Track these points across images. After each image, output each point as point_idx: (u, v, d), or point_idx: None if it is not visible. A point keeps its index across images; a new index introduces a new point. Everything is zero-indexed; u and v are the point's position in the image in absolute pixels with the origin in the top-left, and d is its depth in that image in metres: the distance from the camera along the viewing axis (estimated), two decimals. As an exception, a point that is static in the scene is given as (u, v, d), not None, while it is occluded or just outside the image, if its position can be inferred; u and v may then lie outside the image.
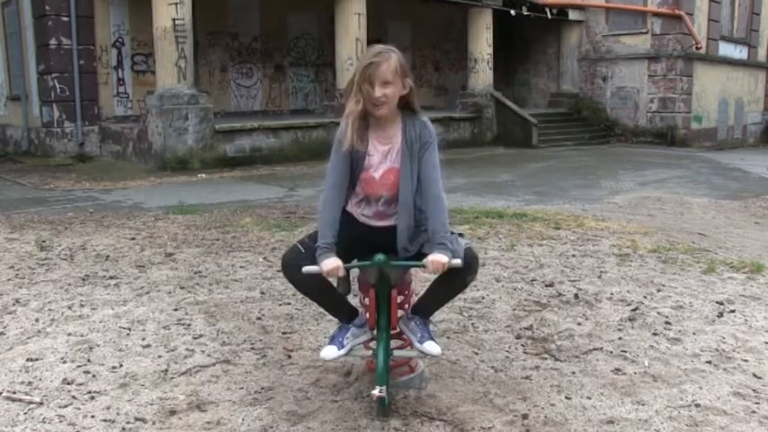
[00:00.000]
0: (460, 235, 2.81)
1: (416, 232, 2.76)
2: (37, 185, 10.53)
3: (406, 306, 2.99)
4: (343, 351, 2.83)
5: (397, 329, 2.97)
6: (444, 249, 2.61)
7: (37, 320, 3.97)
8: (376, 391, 2.66)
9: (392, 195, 2.74)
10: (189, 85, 12.15)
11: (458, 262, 2.60)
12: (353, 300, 3.74)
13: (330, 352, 2.81)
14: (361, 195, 2.79)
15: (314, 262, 2.65)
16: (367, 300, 2.85)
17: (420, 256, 2.71)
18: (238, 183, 10.78)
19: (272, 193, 9.61)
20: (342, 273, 2.65)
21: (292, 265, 2.71)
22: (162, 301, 4.37)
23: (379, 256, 2.63)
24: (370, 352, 2.94)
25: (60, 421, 2.75)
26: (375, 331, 2.84)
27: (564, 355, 3.46)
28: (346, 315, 2.93)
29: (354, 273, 2.99)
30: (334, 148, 2.73)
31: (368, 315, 2.87)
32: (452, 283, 2.76)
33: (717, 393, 3.02)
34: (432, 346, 2.81)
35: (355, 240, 2.76)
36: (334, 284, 2.88)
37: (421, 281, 3.80)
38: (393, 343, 2.90)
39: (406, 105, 2.73)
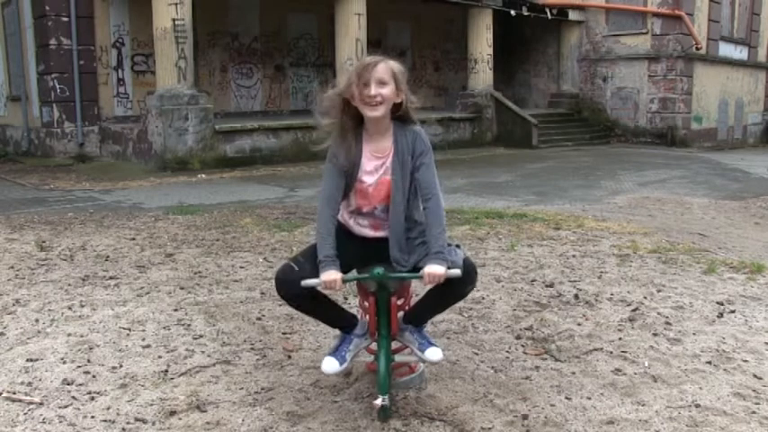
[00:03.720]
0: (458, 246, 2.76)
1: (412, 244, 2.73)
2: (37, 186, 10.53)
3: (406, 308, 2.99)
4: (344, 366, 2.81)
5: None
6: (441, 260, 2.58)
7: (37, 321, 3.97)
8: (378, 401, 2.65)
9: (386, 206, 2.73)
10: (189, 86, 12.15)
11: (456, 272, 2.56)
12: (352, 305, 3.75)
13: (332, 366, 2.77)
14: (354, 206, 2.78)
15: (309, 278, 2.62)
16: (366, 303, 2.85)
17: (418, 268, 2.68)
18: (238, 183, 10.78)
19: (272, 194, 9.61)
20: (340, 286, 2.61)
21: (287, 283, 2.66)
22: (162, 301, 4.37)
23: (378, 269, 2.61)
24: (372, 357, 2.95)
25: (60, 422, 2.75)
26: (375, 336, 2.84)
27: (564, 356, 3.46)
28: (346, 324, 2.91)
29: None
30: (327, 161, 2.72)
31: (367, 318, 2.86)
32: (450, 293, 2.72)
33: (717, 394, 3.02)
34: (433, 353, 2.79)
35: (352, 250, 2.75)
36: (331, 294, 2.86)
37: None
38: (393, 344, 2.90)
39: (399, 117, 2.70)
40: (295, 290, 2.62)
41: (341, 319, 2.91)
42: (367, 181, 2.71)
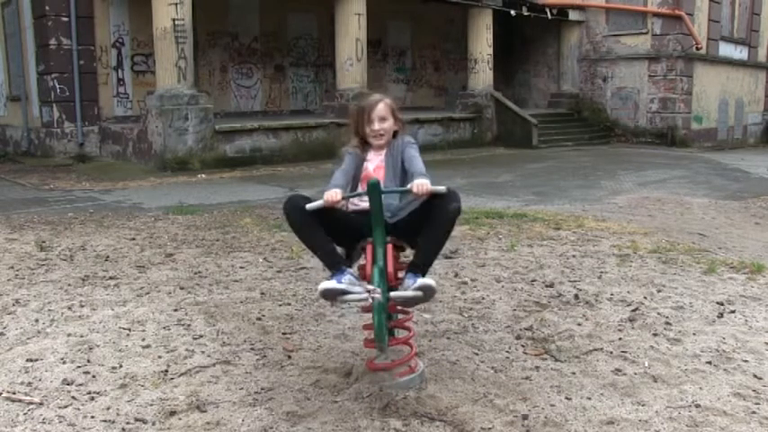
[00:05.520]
0: None
1: (402, 207, 3.09)
2: (37, 186, 10.53)
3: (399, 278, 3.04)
4: (341, 285, 2.85)
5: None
6: (426, 178, 2.91)
7: (37, 321, 3.97)
8: (371, 290, 2.77)
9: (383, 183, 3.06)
10: (189, 86, 12.14)
11: (442, 188, 2.84)
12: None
13: (328, 283, 2.86)
14: (360, 189, 3.10)
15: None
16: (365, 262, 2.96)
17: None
18: (238, 183, 10.78)
19: (272, 194, 9.60)
20: (341, 200, 2.89)
21: (293, 202, 2.95)
22: (162, 301, 4.37)
23: (374, 178, 2.85)
24: (368, 297, 2.85)
25: (60, 422, 2.75)
26: (370, 291, 2.85)
27: (564, 356, 3.46)
28: (340, 263, 2.98)
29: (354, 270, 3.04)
30: (347, 152, 3.27)
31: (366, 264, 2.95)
32: (439, 214, 2.89)
33: (717, 394, 3.03)
34: (426, 280, 2.89)
35: (352, 222, 3.04)
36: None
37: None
38: (392, 351, 2.93)
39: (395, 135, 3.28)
40: (299, 212, 2.91)
41: (335, 255, 3.01)
42: (369, 167, 3.22)
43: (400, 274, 3.00)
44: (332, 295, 2.88)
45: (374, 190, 2.80)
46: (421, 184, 2.85)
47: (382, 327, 2.79)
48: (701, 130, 19.01)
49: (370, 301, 2.81)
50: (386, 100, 3.25)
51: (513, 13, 17.27)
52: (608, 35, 19.01)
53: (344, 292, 2.86)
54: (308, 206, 2.88)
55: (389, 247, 2.93)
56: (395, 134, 3.28)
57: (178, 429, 2.71)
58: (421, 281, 2.88)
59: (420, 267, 2.95)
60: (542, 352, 3.52)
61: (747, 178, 12.29)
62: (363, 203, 3.00)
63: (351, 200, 3.08)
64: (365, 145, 3.27)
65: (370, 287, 2.80)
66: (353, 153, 3.24)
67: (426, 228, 2.94)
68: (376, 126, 3.20)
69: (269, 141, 13.31)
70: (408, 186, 2.90)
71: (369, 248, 2.94)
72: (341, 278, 2.89)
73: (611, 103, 19.12)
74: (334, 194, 2.88)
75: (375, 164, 3.22)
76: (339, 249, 3.08)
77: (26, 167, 12.75)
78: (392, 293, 2.89)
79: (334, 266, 2.95)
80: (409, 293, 2.89)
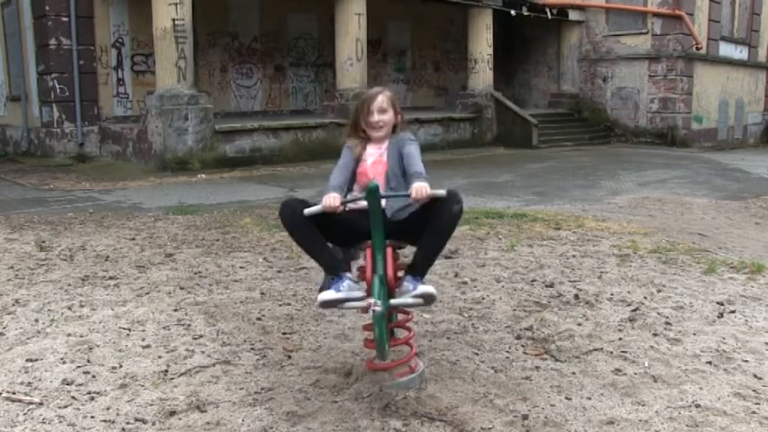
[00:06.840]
0: None
1: (401, 207, 3.03)
2: (37, 186, 10.52)
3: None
4: (340, 294, 2.85)
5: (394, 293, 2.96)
6: (424, 179, 2.88)
7: (36, 321, 3.97)
8: (371, 301, 2.72)
9: (381, 183, 3.04)
10: (189, 86, 12.14)
11: (441, 192, 2.80)
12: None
13: (327, 294, 2.86)
14: (357, 191, 3.12)
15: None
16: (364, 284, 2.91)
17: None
18: (238, 183, 10.78)
19: (272, 194, 9.60)
20: (339, 206, 2.83)
21: (290, 207, 2.90)
22: (162, 301, 4.37)
23: (373, 182, 2.79)
24: (368, 305, 2.84)
25: (60, 422, 2.75)
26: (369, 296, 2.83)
27: (564, 356, 3.46)
28: (338, 267, 2.97)
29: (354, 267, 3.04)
30: (345, 147, 3.25)
31: (365, 269, 2.91)
32: (441, 218, 2.85)
33: (717, 394, 3.03)
34: (426, 287, 2.89)
35: (353, 224, 2.94)
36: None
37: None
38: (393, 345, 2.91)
39: (395, 130, 3.27)
40: (297, 217, 2.87)
41: (333, 259, 3.00)
42: (367, 161, 3.19)
43: (400, 273, 2.99)
44: (331, 305, 2.91)
45: (373, 195, 2.75)
46: (419, 189, 2.80)
47: (383, 337, 2.78)
48: (701, 130, 19.01)
49: (371, 313, 2.78)
50: (386, 92, 3.24)
51: (513, 13, 17.27)
52: (608, 35, 19.01)
53: (344, 300, 2.86)
54: (306, 211, 2.83)
55: (389, 250, 2.89)
56: (395, 129, 3.26)
57: (178, 429, 2.71)
58: (422, 288, 2.89)
59: (420, 269, 2.96)
60: (542, 352, 3.52)
61: (747, 178, 12.29)
62: (362, 203, 2.95)
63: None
64: (365, 140, 3.23)
65: (371, 300, 2.74)
66: (351, 146, 3.21)
67: (427, 230, 2.90)
68: (375, 117, 3.16)
69: (269, 141, 13.31)
70: (407, 192, 2.84)
71: (369, 252, 2.90)
72: (339, 285, 2.88)
73: (611, 103, 19.12)
74: (332, 200, 2.83)
75: (374, 158, 3.18)
76: (338, 248, 3.08)
77: (26, 167, 12.75)
78: (392, 301, 2.89)
79: (333, 271, 2.95)
80: (409, 300, 2.91)
